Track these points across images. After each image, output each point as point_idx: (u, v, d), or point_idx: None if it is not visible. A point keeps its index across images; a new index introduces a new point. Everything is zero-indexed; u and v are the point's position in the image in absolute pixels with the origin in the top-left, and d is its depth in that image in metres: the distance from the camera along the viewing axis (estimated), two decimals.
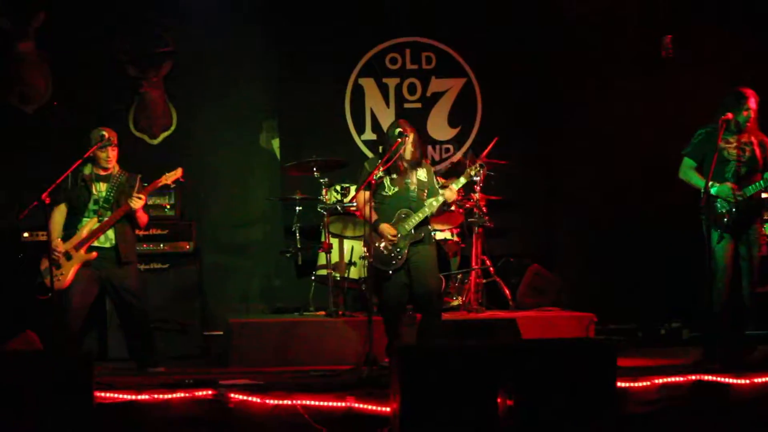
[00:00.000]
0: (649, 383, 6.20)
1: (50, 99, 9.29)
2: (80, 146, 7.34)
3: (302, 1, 9.65)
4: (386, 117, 9.58)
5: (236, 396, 5.87)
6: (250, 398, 5.87)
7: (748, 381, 6.27)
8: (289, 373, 7.14)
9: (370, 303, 7.19)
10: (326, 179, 8.62)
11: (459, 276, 8.94)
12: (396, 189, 7.34)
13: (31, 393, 5.30)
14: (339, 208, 8.46)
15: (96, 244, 7.26)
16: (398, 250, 7.23)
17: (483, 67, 9.81)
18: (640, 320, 9.13)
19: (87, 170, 7.36)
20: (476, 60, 9.82)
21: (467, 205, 8.80)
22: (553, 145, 9.76)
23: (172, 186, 7.69)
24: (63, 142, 8.66)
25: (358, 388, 6.15)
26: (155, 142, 9.57)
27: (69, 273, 7.17)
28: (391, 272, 7.24)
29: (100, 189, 7.35)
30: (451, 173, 8.85)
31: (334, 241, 8.54)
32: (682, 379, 6.28)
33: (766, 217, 7.74)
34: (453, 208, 8.55)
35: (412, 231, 7.25)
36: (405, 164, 7.35)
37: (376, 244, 7.24)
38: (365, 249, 7.70)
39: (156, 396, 5.87)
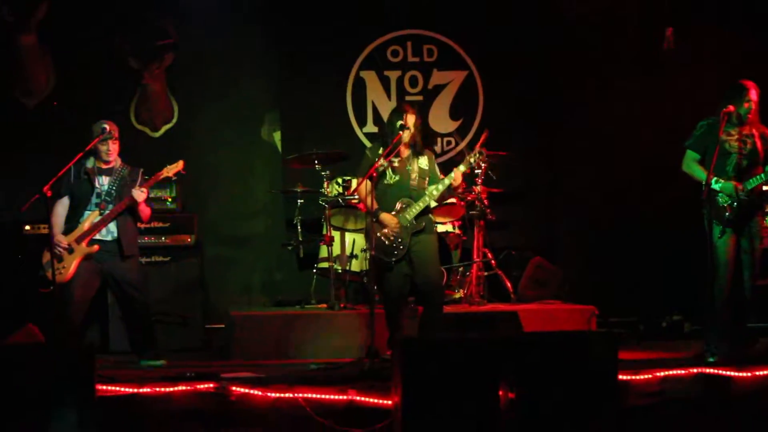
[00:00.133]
0: (650, 376, 6.21)
1: (51, 93, 9.29)
2: (82, 140, 7.33)
3: (302, 1, 9.64)
4: (387, 110, 9.44)
5: (238, 389, 5.87)
6: (251, 391, 5.88)
7: (749, 374, 6.28)
8: (291, 366, 7.16)
9: (372, 295, 7.19)
10: (328, 172, 8.62)
11: (461, 269, 8.94)
12: (397, 177, 7.32)
13: (32, 386, 5.31)
14: (340, 201, 8.46)
15: (98, 237, 7.26)
16: (400, 240, 7.22)
17: (484, 60, 9.81)
18: (642, 314, 9.13)
19: (90, 163, 7.36)
20: (478, 53, 9.82)
21: (469, 198, 8.80)
22: (554, 140, 9.76)
23: (174, 179, 7.69)
24: (64, 136, 8.65)
25: (360, 381, 6.16)
26: (156, 134, 9.57)
27: (71, 266, 7.17)
28: (393, 262, 7.24)
29: (103, 182, 7.34)
30: (452, 165, 8.84)
31: (336, 234, 8.54)
32: (683, 372, 6.29)
33: (767, 210, 7.75)
34: (454, 200, 8.56)
35: (414, 221, 7.24)
36: (407, 151, 7.34)
37: (378, 235, 7.24)
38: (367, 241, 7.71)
39: (158, 389, 5.88)
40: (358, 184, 7.28)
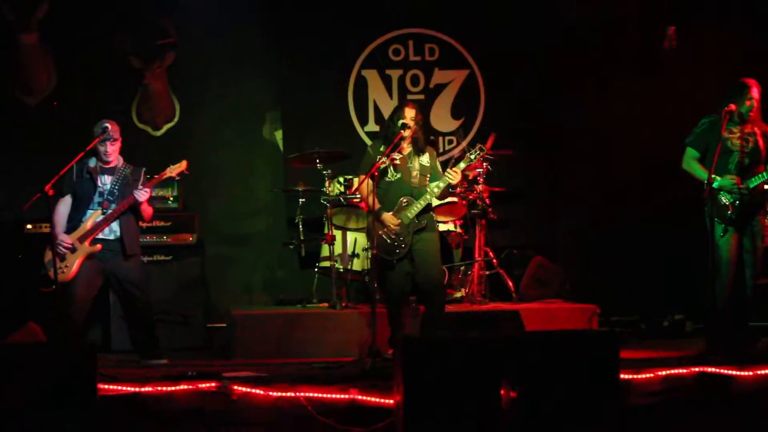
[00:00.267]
0: (652, 375, 6.21)
1: (52, 92, 9.29)
2: (83, 139, 7.32)
3: (303, 0, 9.63)
4: (389, 108, 9.47)
5: (239, 388, 5.87)
6: (253, 390, 5.87)
7: (751, 373, 6.27)
8: (293, 365, 7.14)
9: (374, 294, 7.19)
10: (329, 171, 8.63)
11: (462, 268, 8.94)
12: (398, 175, 7.31)
13: (34, 386, 5.31)
14: (342, 200, 8.46)
15: (100, 236, 7.25)
16: (401, 239, 7.22)
17: (486, 60, 9.82)
18: (643, 313, 9.13)
19: (92, 162, 7.35)
20: (479, 52, 9.82)
21: (470, 197, 8.80)
22: (555, 139, 9.75)
23: (177, 179, 7.68)
24: (66, 135, 8.66)
25: (362, 380, 6.16)
26: (158, 133, 9.57)
27: (74, 265, 7.17)
28: (394, 261, 7.24)
29: (105, 181, 7.34)
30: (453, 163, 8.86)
31: (337, 233, 8.54)
32: (685, 371, 6.28)
33: None
34: (456, 199, 8.55)
35: (415, 220, 7.24)
36: (408, 148, 7.33)
37: (379, 233, 7.23)
38: (368, 240, 7.71)
39: (159, 388, 5.87)
40: (360, 182, 7.28)
